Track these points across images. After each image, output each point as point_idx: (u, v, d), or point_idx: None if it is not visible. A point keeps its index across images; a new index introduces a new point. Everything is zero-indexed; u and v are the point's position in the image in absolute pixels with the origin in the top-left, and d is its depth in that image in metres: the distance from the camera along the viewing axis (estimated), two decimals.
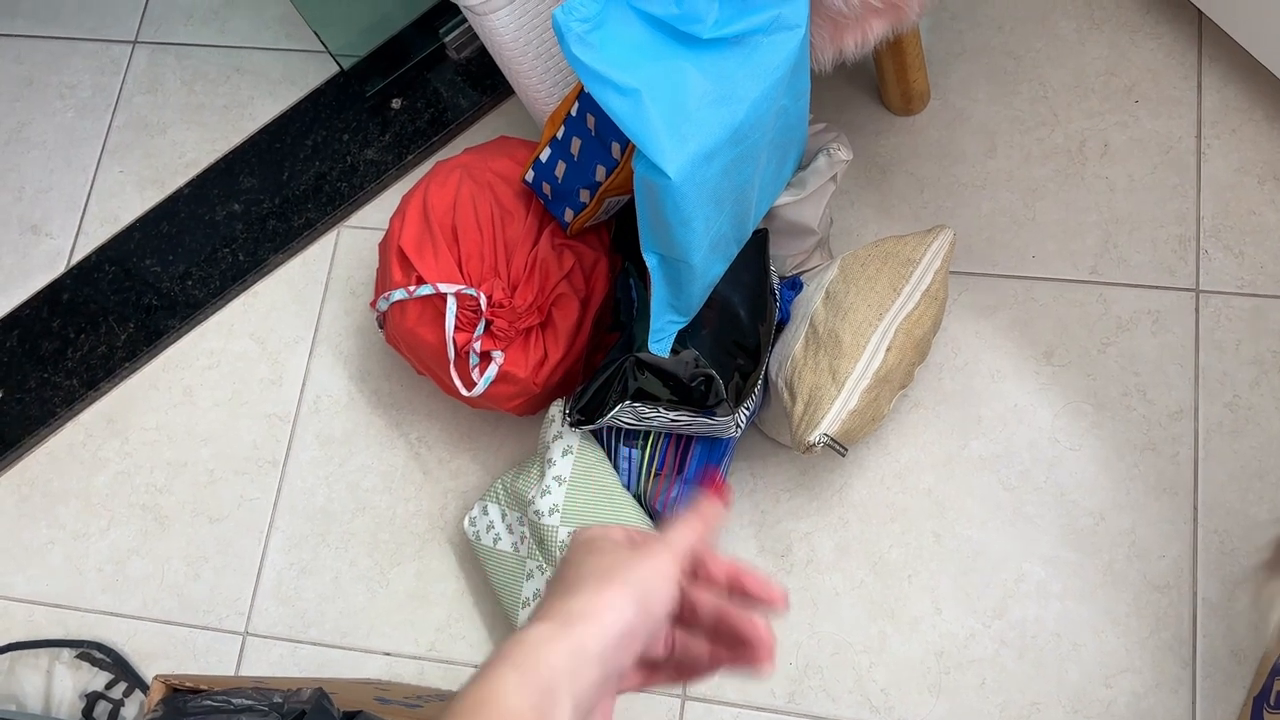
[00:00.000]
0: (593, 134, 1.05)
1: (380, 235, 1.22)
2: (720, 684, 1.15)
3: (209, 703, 0.77)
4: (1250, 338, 1.18)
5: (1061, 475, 1.17)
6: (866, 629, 1.15)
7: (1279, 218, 1.22)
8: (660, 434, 1.13)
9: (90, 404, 1.40)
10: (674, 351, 1.05)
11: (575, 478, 1.11)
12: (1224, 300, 1.20)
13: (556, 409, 1.16)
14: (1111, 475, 1.16)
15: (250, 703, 0.77)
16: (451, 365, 1.13)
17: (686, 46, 0.88)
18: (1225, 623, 1.10)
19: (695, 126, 0.87)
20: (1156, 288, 1.22)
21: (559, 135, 1.09)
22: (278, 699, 0.77)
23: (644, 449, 1.13)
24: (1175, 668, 1.10)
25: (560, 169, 1.10)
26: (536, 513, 1.10)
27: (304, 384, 1.36)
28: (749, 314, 1.09)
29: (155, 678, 0.82)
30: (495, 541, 1.16)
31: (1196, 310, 1.20)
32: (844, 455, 1.10)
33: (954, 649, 1.14)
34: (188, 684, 0.82)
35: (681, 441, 1.13)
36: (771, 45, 0.91)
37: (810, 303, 1.13)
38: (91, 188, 1.51)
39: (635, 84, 0.84)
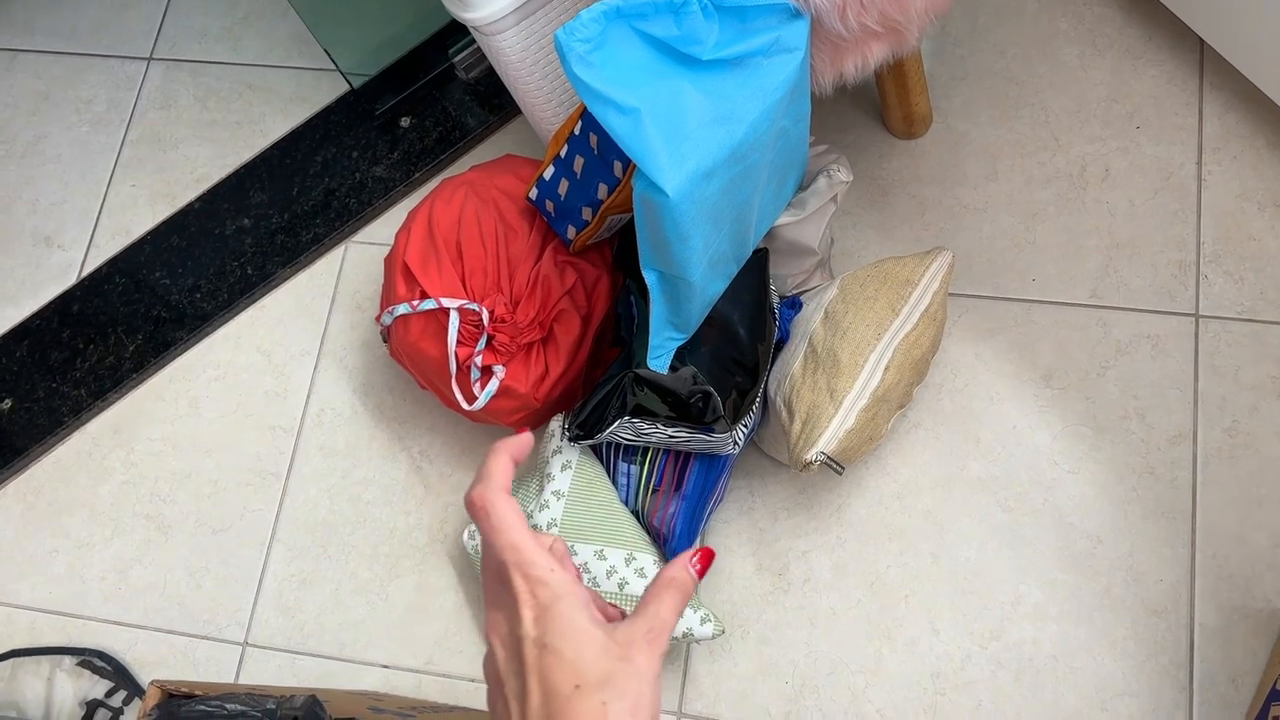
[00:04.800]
0: (595, 153, 1.07)
1: (387, 251, 1.24)
2: (716, 700, 1.16)
3: (203, 708, 0.78)
4: (1250, 363, 1.19)
5: (1060, 498, 1.17)
6: (863, 649, 1.16)
7: (1279, 244, 1.23)
8: (659, 450, 1.14)
9: (97, 414, 1.41)
10: (673, 368, 1.06)
11: (574, 493, 1.12)
12: (1223, 325, 1.20)
13: (556, 424, 1.17)
14: (1110, 499, 1.16)
15: (244, 708, 0.77)
16: (453, 379, 1.15)
17: (686, 67, 0.89)
18: (1223, 648, 1.10)
19: (694, 145, 0.88)
20: (1156, 312, 1.22)
21: (562, 154, 1.10)
22: (271, 705, 0.78)
23: (642, 465, 1.14)
24: (1172, 692, 1.09)
25: (563, 187, 1.11)
26: (534, 527, 1.10)
27: (308, 397, 1.37)
28: (748, 332, 1.10)
29: (151, 683, 0.83)
30: None
31: (1196, 335, 1.21)
32: (841, 474, 1.10)
33: (950, 670, 1.13)
34: (183, 689, 0.83)
35: (680, 458, 1.14)
36: (771, 67, 0.92)
37: (810, 322, 1.14)
38: (104, 201, 1.53)
39: (635, 103, 0.85)
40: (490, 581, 0.52)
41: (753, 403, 1.09)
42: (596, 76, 0.85)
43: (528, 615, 0.49)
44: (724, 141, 0.90)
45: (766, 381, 1.14)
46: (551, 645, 0.48)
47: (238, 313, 1.43)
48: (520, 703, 0.48)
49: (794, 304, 1.18)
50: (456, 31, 1.46)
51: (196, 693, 0.83)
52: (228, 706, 0.77)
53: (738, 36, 0.90)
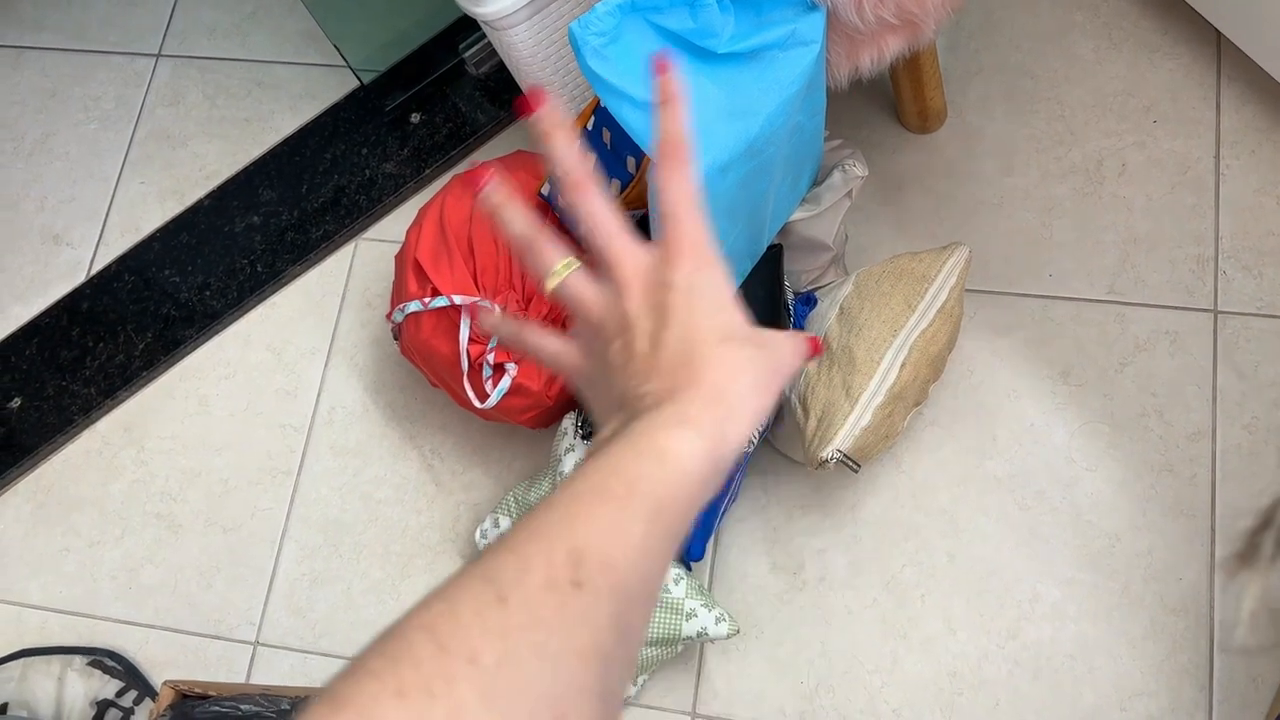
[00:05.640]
0: (608, 148, 1.06)
1: (398, 248, 1.23)
2: (731, 700, 1.15)
3: (217, 708, 0.77)
4: (1269, 359, 1.17)
5: (1078, 496, 1.16)
6: (879, 648, 1.15)
7: None
8: None
9: (107, 412, 1.41)
10: None
11: None
12: (1242, 321, 1.19)
13: (569, 421, 1.16)
14: (1128, 496, 1.15)
15: (258, 709, 0.77)
16: (465, 377, 1.14)
17: (702, 60, 0.88)
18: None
19: (710, 140, 0.87)
20: (1174, 308, 1.21)
21: None
22: (285, 705, 0.77)
23: None
24: (1192, 691, 1.08)
25: None
26: None
27: (319, 395, 1.37)
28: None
29: (164, 683, 0.82)
30: None
31: (1215, 331, 1.19)
32: (857, 472, 1.09)
33: (967, 670, 1.12)
34: (196, 689, 0.82)
35: None
36: (787, 61, 0.91)
37: (824, 319, 1.13)
38: (113, 198, 1.53)
39: (650, 97, 0.84)
40: (616, 225, 0.47)
41: None
42: (611, 70, 0.85)
43: (687, 265, 0.45)
44: (740, 135, 0.89)
45: None
46: (701, 294, 0.45)
47: (247, 310, 1.43)
48: (652, 339, 0.44)
49: (809, 300, 1.17)
50: (467, 27, 1.45)
51: (210, 693, 0.82)
52: (242, 707, 0.77)
53: (753, 29, 0.89)
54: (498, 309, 0.49)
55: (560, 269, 0.47)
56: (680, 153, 0.47)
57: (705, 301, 0.45)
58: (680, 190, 0.47)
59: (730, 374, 0.43)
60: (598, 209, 0.47)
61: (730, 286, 0.47)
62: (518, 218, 0.48)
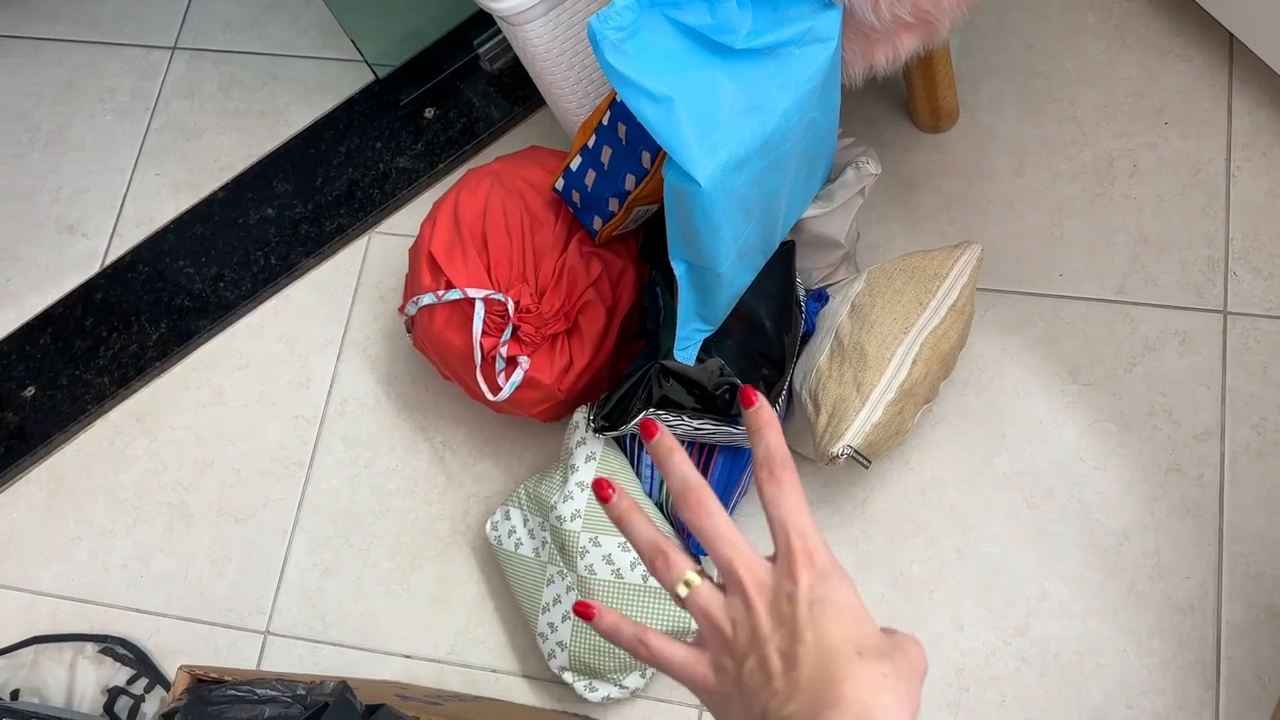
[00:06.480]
0: (623, 143, 1.06)
1: (411, 242, 1.24)
2: None
3: (233, 693, 0.78)
4: (1278, 360, 1.18)
5: (1086, 494, 1.17)
6: None
7: None
8: (684, 442, 1.14)
9: (120, 402, 1.42)
10: (699, 360, 1.06)
11: None
12: (1252, 323, 1.20)
13: (581, 415, 1.16)
14: (1136, 495, 1.16)
15: (274, 694, 0.77)
16: (478, 369, 1.14)
17: (719, 56, 0.89)
18: (1250, 645, 1.09)
19: (726, 135, 0.88)
20: (1184, 309, 1.22)
21: (590, 144, 1.10)
22: (301, 690, 0.78)
23: None
24: (1198, 690, 1.09)
25: (590, 177, 1.11)
26: (558, 518, 1.10)
27: (331, 387, 1.37)
28: (774, 325, 1.10)
29: (180, 667, 0.83)
30: (517, 546, 1.17)
31: (1224, 332, 1.20)
32: (867, 467, 1.10)
33: (974, 666, 1.13)
34: (212, 674, 0.83)
35: (704, 451, 1.14)
36: (803, 57, 0.92)
37: (836, 315, 1.13)
38: (128, 189, 1.53)
39: (668, 91, 0.85)
40: (735, 539, 0.50)
41: (778, 395, 1.09)
42: (630, 65, 0.85)
43: (807, 576, 0.48)
44: (756, 131, 0.90)
45: (792, 374, 1.14)
46: (828, 606, 0.47)
47: (261, 302, 1.44)
48: (785, 656, 0.46)
49: (820, 297, 1.18)
50: (481, 22, 1.46)
51: (225, 678, 0.83)
52: (258, 692, 0.77)
53: (771, 26, 0.90)
54: (614, 614, 0.53)
55: (691, 578, 0.50)
56: (785, 466, 0.50)
57: (833, 612, 0.47)
58: (790, 501, 0.49)
59: (872, 692, 0.45)
60: (720, 524, 0.50)
61: (855, 592, 0.48)
62: (644, 525, 0.52)
